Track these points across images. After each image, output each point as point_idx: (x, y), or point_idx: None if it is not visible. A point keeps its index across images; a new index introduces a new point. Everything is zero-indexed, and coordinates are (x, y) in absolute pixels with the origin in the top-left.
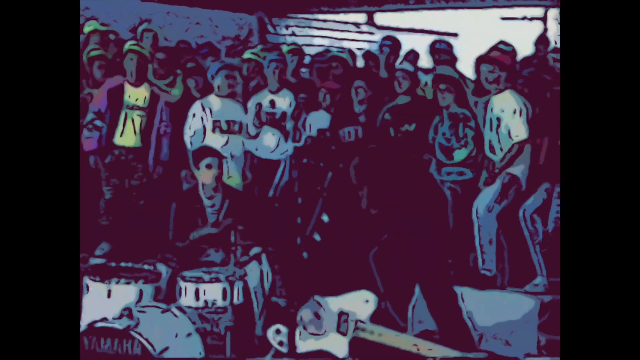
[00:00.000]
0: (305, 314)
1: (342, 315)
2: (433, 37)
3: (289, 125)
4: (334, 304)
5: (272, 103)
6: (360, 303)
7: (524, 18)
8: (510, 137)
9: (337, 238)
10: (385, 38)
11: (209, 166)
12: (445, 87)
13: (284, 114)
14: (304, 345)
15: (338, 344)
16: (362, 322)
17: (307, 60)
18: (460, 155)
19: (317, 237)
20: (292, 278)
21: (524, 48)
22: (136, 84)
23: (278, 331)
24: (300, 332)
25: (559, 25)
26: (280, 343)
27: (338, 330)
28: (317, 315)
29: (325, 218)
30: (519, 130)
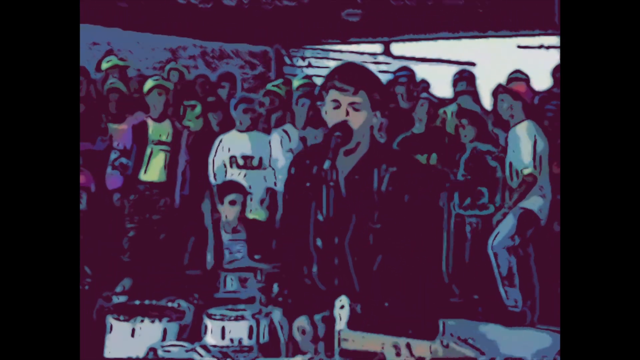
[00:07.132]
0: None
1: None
2: (450, 67)
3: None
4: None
5: (304, 140)
6: (339, 311)
7: (540, 46)
8: (521, 169)
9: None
10: (400, 69)
11: (232, 202)
12: (468, 122)
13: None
14: None
15: None
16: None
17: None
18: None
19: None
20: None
21: (542, 76)
22: (159, 119)
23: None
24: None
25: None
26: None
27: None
28: (303, 331)
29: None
30: (525, 162)
